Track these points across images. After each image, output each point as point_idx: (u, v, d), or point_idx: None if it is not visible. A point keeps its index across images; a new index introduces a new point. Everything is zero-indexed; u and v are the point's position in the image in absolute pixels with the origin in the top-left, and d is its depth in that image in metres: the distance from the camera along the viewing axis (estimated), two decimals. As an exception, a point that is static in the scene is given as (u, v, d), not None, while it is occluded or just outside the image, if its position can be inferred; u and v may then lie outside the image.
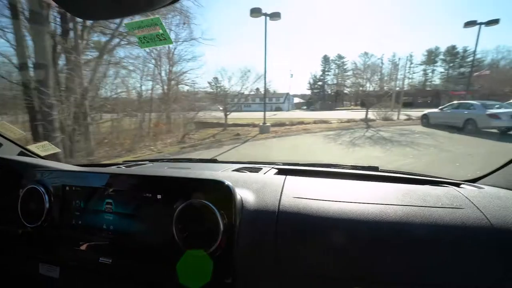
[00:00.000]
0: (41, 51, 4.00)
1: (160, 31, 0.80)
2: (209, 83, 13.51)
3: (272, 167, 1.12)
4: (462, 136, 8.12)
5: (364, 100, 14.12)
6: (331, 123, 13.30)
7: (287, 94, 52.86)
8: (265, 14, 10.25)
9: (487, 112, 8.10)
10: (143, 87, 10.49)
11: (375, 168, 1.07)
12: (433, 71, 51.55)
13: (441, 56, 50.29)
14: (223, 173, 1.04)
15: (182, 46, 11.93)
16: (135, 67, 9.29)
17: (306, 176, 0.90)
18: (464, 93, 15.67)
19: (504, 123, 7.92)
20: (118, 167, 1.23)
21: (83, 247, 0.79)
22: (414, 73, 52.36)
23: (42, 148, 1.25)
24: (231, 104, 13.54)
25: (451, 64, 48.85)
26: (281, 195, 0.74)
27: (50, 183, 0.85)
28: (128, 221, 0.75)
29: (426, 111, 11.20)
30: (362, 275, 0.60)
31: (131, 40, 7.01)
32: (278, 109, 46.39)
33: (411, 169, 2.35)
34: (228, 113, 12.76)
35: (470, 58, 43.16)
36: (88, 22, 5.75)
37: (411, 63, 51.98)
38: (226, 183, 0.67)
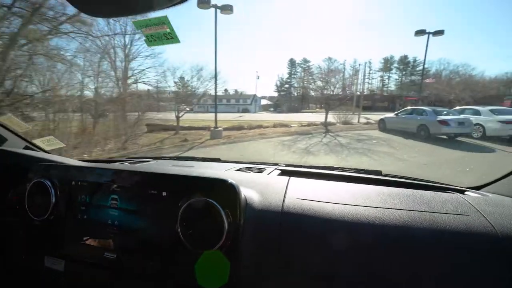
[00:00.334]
0: None
1: (168, 29, 0.81)
2: (175, 82, 12.30)
3: (276, 168, 1.11)
4: (416, 142, 8.00)
5: (326, 104, 13.89)
6: (291, 126, 12.76)
7: (254, 95, 52.58)
8: (215, 6, 9.21)
9: (438, 119, 8.10)
10: (93, 85, 9.01)
11: (379, 172, 1.07)
12: (389, 77, 55.64)
13: (395, 64, 54.49)
14: (227, 173, 1.05)
15: (140, 41, 10.84)
16: (85, 62, 7.93)
17: (309, 178, 0.91)
18: (417, 98, 16.52)
19: (453, 130, 7.96)
20: (122, 163, 1.25)
21: (88, 242, 0.80)
22: (372, 78, 56.08)
23: (47, 142, 1.27)
24: (188, 105, 12.28)
25: (404, 72, 53.16)
26: (284, 196, 0.74)
27: (56, 178, 0.85)
28: (133, 217, 0.75)
29: (383, 115, 11.15)
30: (364, 278, 0.59)
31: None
32: (245, 110, 45.92)
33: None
34: (181, 114, 11.42)
35: (420, 67, 47.62)
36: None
37: (370, 70, 55.82)
38: (232, 182, 0.67)
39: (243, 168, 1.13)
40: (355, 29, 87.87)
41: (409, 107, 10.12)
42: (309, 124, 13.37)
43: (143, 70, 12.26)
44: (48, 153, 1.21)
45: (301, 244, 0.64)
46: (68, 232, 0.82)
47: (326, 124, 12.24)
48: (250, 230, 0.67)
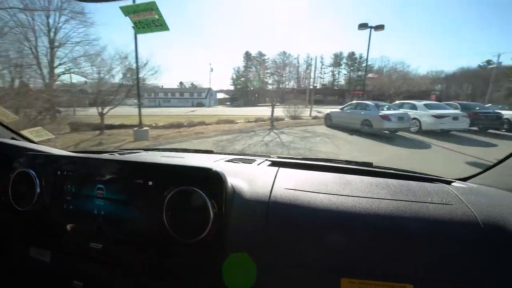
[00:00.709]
0: None
1: (156, 16, 0.78)
2: (124, 74, 10.19)
3: (266, 159, 1.10)
4: (360, 139, 7.65)
5: (272, 98, 13.14)
6: (236, 123, 11.67)
7: (209, 89, 50.28)
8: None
9: (380, 113, 7.86)
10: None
11: (369, 164, 1.05)
12: (339, 72, 58.79)
13: (344, 60, 57.71)
14: (216, 163, 1.03)
15: (69, 24, 9.32)
16: None
17: (299, 169, 0.90)
18: (362, 92, 16.96)
19: (394, 125, 7.81)
20: (111, 154, 1.22)
21: (74, 232, 0.79)
22: (324, 73, 58.64)
23: (36, 133, 1.24)
24: (117, 99, 10.26)
25: (352, 68, 56.63)
26: (272, 186, 0.73)
27: (41, 167, 0.84)
28: (119, 207, 0.74)
29: (329, 110, 10.74)
30: (350, 267, 0.59)
31: None
32: (200, 104, 43.73)
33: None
34: (105, 110, 9.34)
35: (364, 63, 51.16)
36: None
37: (322, 65, 58.19)
38: (217, 171, 0.66)
39: (234, 159, 1.11)
40: (308, 24, 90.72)
41: (354, 102, 9.88)
42: (256, 120, 12.47)
43: (75, 58, 10.01)
44: (35, 143, 1.18)
45: (288, 234, 0.63)
46: (54, 222, 0.82)
47: (272, 120, 11.46)
48: (237, 220, 0.66)
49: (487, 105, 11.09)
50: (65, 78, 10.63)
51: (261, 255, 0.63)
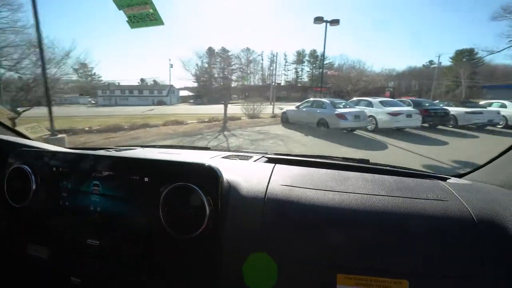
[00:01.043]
0: None
1: (151, 10, 0.77)
2: (74, 69, 8.04)
3: (263, 156, 1.09)
4: (315, 140, 6.99)
5: (222, 95, 12.13)
6: (186, 124, 10.36)
7: (170, 86, 47.19)
8: None
9: (336, 112, 7.31)
10: None
11: (366, 161, 1.04)
12: (302, 69, 59.78)
13: (307, 58, 58.90)
14: (212, 159, 1.02)
15: None
16: None
17: (295, 166, 0.89)
18: (323, 89, 16.73)
19: (350, 124, 7.31)
20: (107, 150, 1.21)
21: (71, 228, 0.79)
22: (288, 70, 59.19)
23: (32, 129, 1.24)
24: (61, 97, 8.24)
25: (314, 65, 58.01)
26: (268, 182, 0.73)
27: (37, 164, 0.83)
28: (115, 203, 0.74)
29: (285, 108, 10.02)
30: (346, 263, 0.59)
31: None
32: (161, 103, 40.84)
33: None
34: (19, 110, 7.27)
35: (327, 61, 53.05)
36: None
37: (286, 62, 58.67)
38: (213, 167, 0.66)
39: (230, 155, 1.09)
40: (270, 21, 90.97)
41: (310, 99, 9.27)
42: (210, 120, 11.28)
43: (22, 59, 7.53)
44: (31, 140, 1.15)
45: (284, 230, 0.63)
46: (50, 218, 0.81)
47: (225, 120, 10.43)
48: (232, 216, 0.66)
49: (435, 102, 11.41)
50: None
51: (257, 251, 0.62)
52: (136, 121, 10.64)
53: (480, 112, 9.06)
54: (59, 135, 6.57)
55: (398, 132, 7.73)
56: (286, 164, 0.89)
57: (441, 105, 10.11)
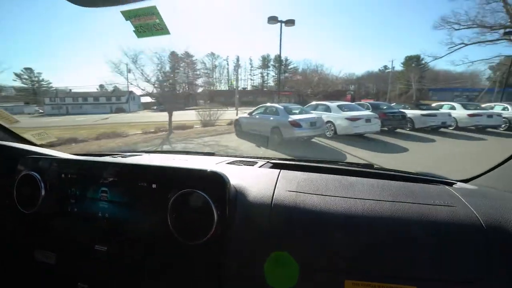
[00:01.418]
0: None
1: (157, 20, 0.79)
2: (17, 75, 5.60)
3: (268, 161, 1.09)
4: (270, 152, 6.01)
5: (166, 103, 10.82)
6: (125, 136, 8.74)
7: (129, 92, 43.53)
8: None
9: (289, 119, 6.40)
10: None
11: (371, 166, 1.05)
12: (267, 74, 59.99)
13: (272, 62, 59.33)
14: (218, 165, 1.02)
15: None
16: None
17: (300, 171, 0.89)
18: (279, 93, 16.44)
19: (306, 132, 6.43)
20: (113, 156, 1.21)
21: (79, 235, 0.79)
22: (254, 75, 59.01)
23: (38, 136, 1.25)
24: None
25: (279, 69, 58.66)
26: (275, 188, 0.72)
27: (46, 170, 0.84)
28: (123, 210, 0.74)
29: (239, 116, 8.92)
30: (353, 269, 0.59)
31: None
32: (120, 110, 37.35)
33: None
34: None
35: (291, 66, 53.94)
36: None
37: (252, 67, 58.46)
38: (221, 173, 0.66)
39: (235, 161, 1.09)
40: (235, 26, 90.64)
41: (263, 105, 8.29)
42: (156, 130, 9.78)
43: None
44: (38, 146, 1.14)
45: (291, 236, 0.63)
46: (59, 225, 0.82)
47: (170, 130, 9.06)
48: (240, 222, 0.66)
49: (392, 104, 11.32)
50: None
51: (264, 257, 0.62)
52: (68, 132, 8.77)
53: (435, 115, 8.98)
54: None
55: (356, 138, 7.12)
56: (292, 170, 0.89)
57: (398, 108, 9.93)
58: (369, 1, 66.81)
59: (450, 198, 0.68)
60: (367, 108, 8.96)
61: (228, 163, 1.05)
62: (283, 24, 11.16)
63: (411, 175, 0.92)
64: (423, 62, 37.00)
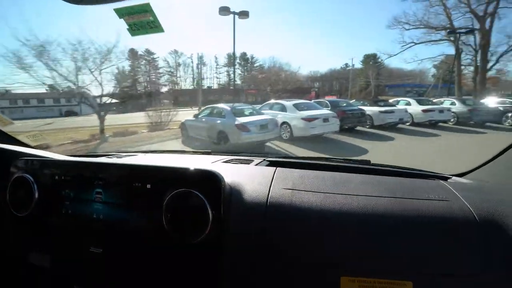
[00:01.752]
0: None
1: (151, 18, 0.78)
2: None
3: (264, 159, 1.08)
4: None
5: (99, 105, 9.35)
6: (45, 148, 7.03)
7: (82, 93, 39.11)
8: None
9: (236, 123, 5.47)
10: None
11: (367, 162, 1.05)
12: (234, 72, 58.83)
13: (238, 60, 58.26)
14: (214, 164, 1.02)
15: None
16: None
17: (297, 169, 0.89)
18: (255, 91, 15.39)
19: (255, 137, 5.50)
20: (109, 157, 1.20)
21: (74, 236, 0.79)
22: (220, 73, 57.36)
23: (33, 138, 1.27)
24: None
25: (245, 67, 57.81)
26: (270, 186, 0.73)
27: (39, 172, 0.83)
28: (118, 211, 0.74)
29: (185, 118, 7.69)
30: (349, 266, 0.59)
31: None
32: (70, 113, 33.07)
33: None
34: None
35: (257, 64, 53.52)
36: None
37: (217, 65, 56.69)
38: (215, 172, 0.66)
39: (231, 159, 1.09)
40: (200, 23, 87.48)
41: (211, 105, 7.22)
42: (88, 139, 8.18)
43: None
44: (33, 148, 1.14)
45: (287, 234, 0.63)
46: (53, 227, 0.81)
47: (102, 139, 7.61)
48: (235, 221, 0.66)
49: (351, 101, 11.08)
50: None
51: (260, 255, 0.62)
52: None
53: (392, 111, 8.81)
54: None
55: (314, 140, 6.49)
56: (288, 167, 0.89)
57: (357, 104, 9.65)
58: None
59: (445, 192, 0.69)
60: (326, 106, 8.46)
61: (224, 162, 1.04)
62: (236, 16, 10.22)
63: (407, 171, 0.94)
64: (379, 60, 39.27)
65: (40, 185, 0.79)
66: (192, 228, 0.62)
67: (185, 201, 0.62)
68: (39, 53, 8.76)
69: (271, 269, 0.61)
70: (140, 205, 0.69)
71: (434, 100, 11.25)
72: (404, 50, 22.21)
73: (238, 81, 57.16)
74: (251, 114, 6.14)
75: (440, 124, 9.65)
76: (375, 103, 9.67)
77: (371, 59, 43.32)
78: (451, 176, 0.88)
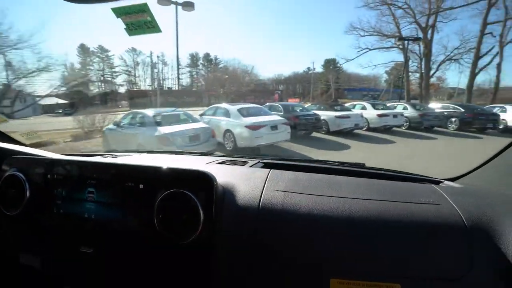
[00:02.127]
0: None
1: (148, 18, 0.78)
2: None
3: (259, 161, 1.08)
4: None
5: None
6: None
7: (17, 92, 33.44)
8: None
9: (157, 134, 4.28)
10: None
11: (361, 165, 1.05)
12: (197, 73, 56.47)
13: (201, 61, 56.11)
14: (208, 165, 1.02)
15: None
16: None
17: (291, 171, 0.89)
18: (215, 93, 14.16)
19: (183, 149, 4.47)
20: (103, 156, 1.20)
21: (65, 236, 0.78)
22: (182, 74, 54.58)
23: (27, 136, 1.24)
24: None
25: (209, 68, 55.94)
26: (263, 188, 0.73)
27: (31, 171, 0.82)
28: (110, 210, 0.73)
29: (105, 127, 6.19)
30: (339, 268, 0.60)
31: None
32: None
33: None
34: None
35: (221, 65, 52.14)
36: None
37: (180, 65, 53.88)
38: (207, 173, 0.66)
39: (226, 161, 1.09)
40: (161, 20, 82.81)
41: (132, 111, 5.88)
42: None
43: None
44: (26, 146, 1.10)
45: (278, 236, 0.63)
46: (44, 227, 0.80)
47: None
48: (227, 221, 0.66)
49: (307, 105, 10.54)
50: None
51: (252, 256, 0.62)
52: None
53: (348, 116, 8.37)
54: None
55: (263, 149, 5.61)
56: (283, 169, 0.89)
57: (313, 109, 9.08)
58: (292, 2, 70.73)
59: (436, 196, 0.70)
60: (279, 111, 7.67)
61: (218, 163, 1.04)
62: (179, 7, 8.96)
63: (400, 174, 0.95)
64: (338, 64, 40.89)
65: (32, 183, 0.78)
66: (184, 229, 0.62)
67: (177, 201, 0.62)
68: None
69: (263, 269, 0.61)
70: (132, 205, 0.69)
71: (388, 104, 11.29)
72: (360, 56, 23.17)
73: (202, 82, 55.26)
74: (179, 122, 4.98)
75: (395, 129, 9.58)
76: (331, 107, 9.21)
77: (331, 64, 44.99)
78: (443, 180, 0.91)
